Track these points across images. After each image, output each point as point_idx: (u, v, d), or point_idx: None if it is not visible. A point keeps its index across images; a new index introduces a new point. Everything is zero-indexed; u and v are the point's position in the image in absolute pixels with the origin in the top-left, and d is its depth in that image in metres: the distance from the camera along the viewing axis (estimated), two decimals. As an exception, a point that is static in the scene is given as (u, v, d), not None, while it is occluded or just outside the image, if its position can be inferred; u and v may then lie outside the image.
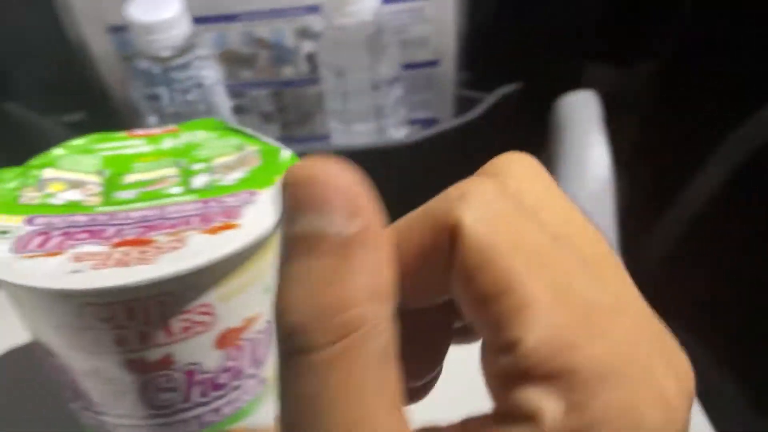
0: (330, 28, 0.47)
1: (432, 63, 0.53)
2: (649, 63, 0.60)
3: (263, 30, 0.50)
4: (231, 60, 0.52)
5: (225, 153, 0.28)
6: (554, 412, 0.12)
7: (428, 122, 0.57)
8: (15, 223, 0.23)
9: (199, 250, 0.21)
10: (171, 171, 0.27)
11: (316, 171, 0.13)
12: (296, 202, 0.13)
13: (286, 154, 0.27)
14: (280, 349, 0.13)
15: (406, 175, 0.48)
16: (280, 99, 0.54)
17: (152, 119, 0.49)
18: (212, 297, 0.23)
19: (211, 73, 0.48)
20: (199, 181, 0.26)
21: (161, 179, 0.26)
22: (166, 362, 0.23)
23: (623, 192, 0.52)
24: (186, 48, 0.46)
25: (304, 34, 0.51)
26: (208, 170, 0.26)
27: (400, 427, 0.13)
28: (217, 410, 0.26)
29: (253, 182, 0.25)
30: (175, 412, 0.25)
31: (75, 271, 0.21)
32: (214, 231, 0.22)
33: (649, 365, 0.13)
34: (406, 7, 0.50)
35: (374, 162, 0.24)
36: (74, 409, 0.26)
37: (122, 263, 0.21)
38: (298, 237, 0.13)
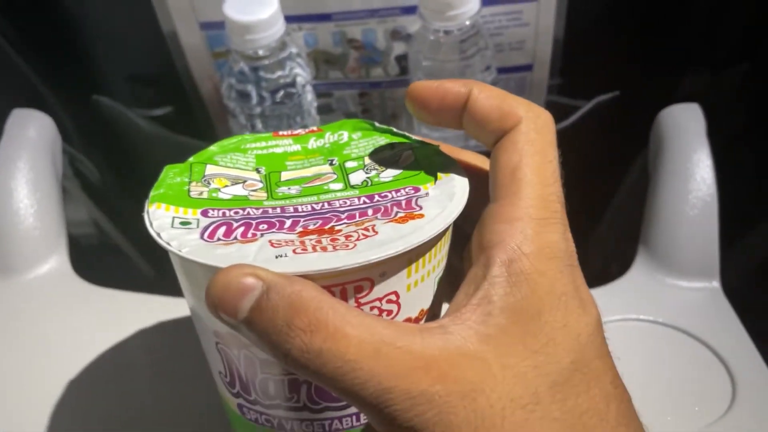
0: (427, 31, 0.45)
1: (527, 67, 0.51)
2: (744, 70, 0.57)
3: (355, 30, 0.49)
4: (321, 59, 0.51)
5: (376, 151, 0.27)
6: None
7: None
8: (193, 215, 0.23)
9: (393, 237, 0.21)
10: (326, 168, 0.27)
11: (218, 287, 0.19)
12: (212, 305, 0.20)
13: (436, 148, 0.26)
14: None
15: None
16: (366, 100, 0.53)
17: (240, 117, 0.49)
18: (400, 285, 0.22)
19: (302, 73, 0.47)
20: (356, 178, 0.25)
21: (318, 176, 0.26)
22: None
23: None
24: (279, 47, 0.46)
25: (396, 35, 0.50)
26: (363, 167, 0.26)
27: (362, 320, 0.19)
28: None
29: (413, 179, 0.25)
30: (347, 405, 0.25)
31: (279, 256, 0.20)
32: (400, 221, 0.22)
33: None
34: (504, 9, 0.48)
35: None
36: (238, 404, 0.26)
37: (323, 249, 0.21)
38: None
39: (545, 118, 0.23)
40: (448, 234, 0.24)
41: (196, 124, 0.56)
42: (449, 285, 0.24)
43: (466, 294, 0.21)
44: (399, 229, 0.21)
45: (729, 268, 0.54)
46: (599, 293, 0.43)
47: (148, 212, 0.23)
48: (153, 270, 0.67)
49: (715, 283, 0.44)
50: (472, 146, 0.47)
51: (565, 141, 0.51)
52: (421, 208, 0.23)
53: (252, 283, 0.19)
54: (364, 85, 0.52)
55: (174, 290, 0.42)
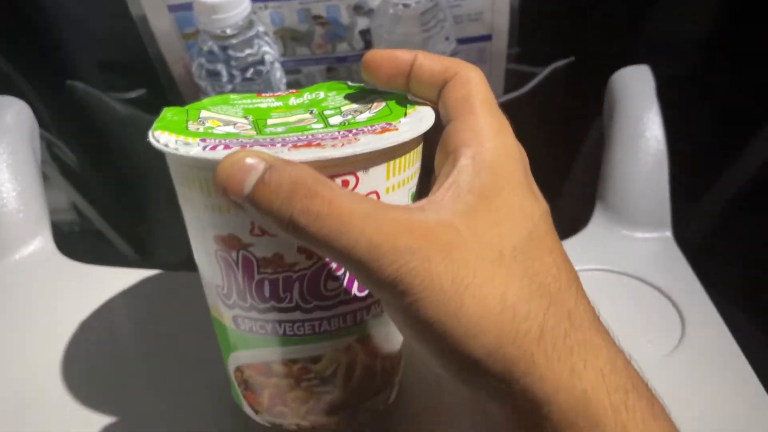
0: (387, 5, 0.47)
1: (485, 37, 0.53)
2: (700, 35, 0.60)
3: (319, 7, 0.51)
4: (287, 37, 0.53)
5: (350, 101, 0.30)
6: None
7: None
8: (193, 140, 0.25)
9: (373, 141, 0.24)
10: (307, 116, 0.29)
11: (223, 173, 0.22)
12: (220, 183, 0.22)
13: (404, 93, 0.30)
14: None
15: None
16: (334, 75, 0.55)
17: (212, 95, 0.51)
18: (380, 186, 0.25)
19: (270, 51, 0.49)
20: (335, 120, 0.28)
21: (301, 120, 0.28)
22: None
23: (672, 159, 0.52)
24: (246, 26, 0.47)
25: (359, 10, 0.51)
26: (340, 113, 0.29)
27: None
28: (368, 308, 0.28)
29: (386, 117, 0.27)
30: (335, 305, 0.27)
31: (277, 152, 0.23)
32: (378, 133, 0.25)
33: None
34: (461, -18, 0.50)
35: (428, 136, 0.27)
36: (233, 317, 0.28)
37: (316, 146, 0.24)
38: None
39: (478, 69, 0.27)
40: (419, 151, 0.27)
41: (170, 104, 0.57)
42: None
43: (438, 184, 0.25)
44: (378, 137, 0.25)
45: (692, 221, 0.57)
46: (560, 247, 0.46)
47: (152, 134, 0.25)
48: (135, 252, 0.69)
49: (668, 233, 0.47)
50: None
51: (524, 107, 0.54)
52: (395, 126, 0.26)
53: (256, 161, 0.22)
54: (331, 60, 0.54)
55: (157, 268, 0.44)
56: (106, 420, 0.35)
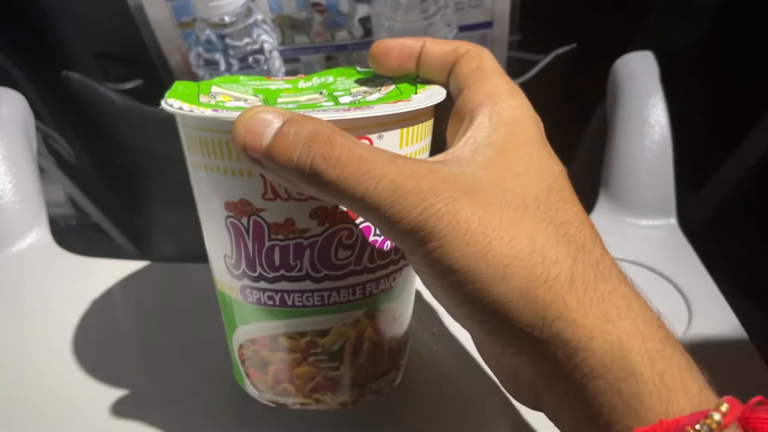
0: (387, -9, 0.47)
1: (486, 24, 0.53)
2: (705, 20, 0.59)
3: (318, -6, 0.50)
4: (286, 25, 0.52)
5: (360, 83, 0.30)
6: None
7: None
8: (205, 110, 0.25)
9: (386, 109, 0.24)
10: (317, 96, 0.29)
11: (241, 128, 0.22)
12: (239, 137, 0.22)
13: (413, 76, 0.29)
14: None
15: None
16: (333, 63, 0.55)
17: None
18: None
19: (269, 39, 0.49)
20: (345, 100, 0.28)
21: (311, 99, 0.28)
22: (350, 215, 0.26)
23: (677, 148, 0.52)
24: (245, 14, 0.46)
25: (359, -3, 0.51)
26: (350, 94, 0.28)
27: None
28: (377, 281, 0.28)
29: (396, 97, 0.27)
30: (345, 275, 0.27)
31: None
32: (391, 103, 0.25)
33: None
34: (462, -33, 0.49)
35: (440, 112, 0.27)
36: (241, 288, 0.28)
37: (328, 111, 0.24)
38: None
39: (487, 50, 0.27)
40: (431, 124, 0.27)
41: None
42: None
43: (456, 141, 0.24)
44: (391, 106, 0.24)
45: (695, 209, 0.57)
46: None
47: (166, 101, 0.25)
48: (133, 245, 0.68)
49: (672, 220, 0.46)
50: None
51: (526, 94, 0.53)
52: (410, 99, 0.26)
53: (273, 115, 0.22)
54: (330, 48, 0.54)
55: (155, 260, 0.44)
56: (105, 411, 0.34)
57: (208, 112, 0.24)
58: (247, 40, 0.47)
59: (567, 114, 0.59)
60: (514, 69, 0.56)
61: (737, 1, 0.56)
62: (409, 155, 0.26)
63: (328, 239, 0.26)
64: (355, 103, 0.27)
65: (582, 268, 0.22)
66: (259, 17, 0.48)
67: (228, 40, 0.47)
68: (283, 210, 0.25)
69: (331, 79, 0.31)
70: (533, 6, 0.54)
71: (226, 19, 0.45)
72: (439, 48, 0.27)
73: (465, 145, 0.24)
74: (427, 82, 0.28)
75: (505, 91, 0.25)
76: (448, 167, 0.22)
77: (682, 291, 0.41)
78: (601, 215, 0.47)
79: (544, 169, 0.24)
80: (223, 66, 0.49)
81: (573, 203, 0.24)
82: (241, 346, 0.30)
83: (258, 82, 0.31)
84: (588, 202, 0.51)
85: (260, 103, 0.27)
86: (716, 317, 0.39)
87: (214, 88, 0.28)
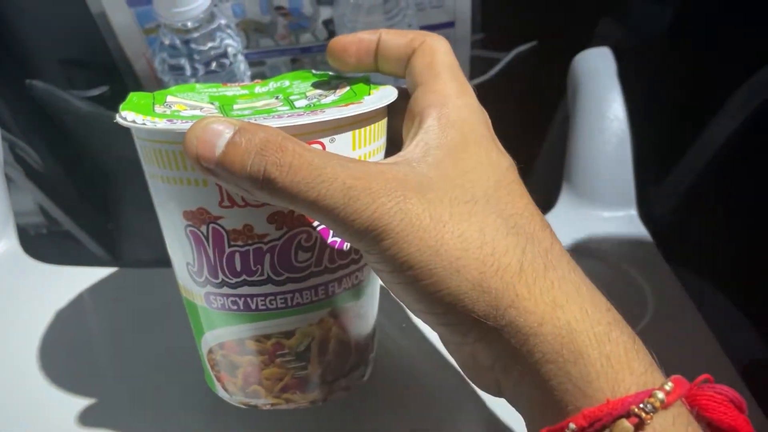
0: (348, -6, 0.47)
1: (448, 24, 0.54)
2: (660, 14, 0.60)
3: (281, -3, 0.51)
4: (250, 28, 0.53)
5: (315, 86, 0.30)
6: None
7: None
8: (160, 121, 0.25)
9: (337, 113, 0.25)
10: (273, 101, 0.29)
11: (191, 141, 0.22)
12: (191, 148, 0.22)
13: (367, 76, 0.30)
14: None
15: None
16: (299, 66, 0.55)
17: (176, 90, 0.50)
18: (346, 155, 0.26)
19: (233, 43, 0.49)
20: (300, 104, 0.28)
21: (267, 104, 0.29)
22: (307, 218, 0.26)
23: (637, 142, 0.53)
24: (208, 19, 0.47)
25: (322, 0, 0.51)
26: (305, 97, 0.29)
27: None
28: (339, 281, 0.29)
29: (351, 99, 0.27)
30: (306, 277, 0.27)
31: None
32: (343, 106, 0.26)
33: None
34: (422, -31, 0.50)
35: (395, 110, 0.28)
36: (205, 294, 0.28)
37: (279, 117, 0.24)
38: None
39: (442, 37, 0.28)
40: (384, 123, 0.28)
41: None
42: None
43: (406, 144, 0.25)
44: (342, 109, 0.25)
45: (659, 200, 0.58)
46: (528, 229, 0.47)
47: (120, 114, 0.25)
48: (105, 251, 0.68)
49: (633, 211, 0.48)
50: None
51: (490, 92, 0.54)
52: (361, 102, 0.26)
53: (224, 126, 0.22)
54: (295, 51, 0.54)
55: (128, 266, 0.44)
56: (76, 419, 0.34)
57: (162, 124, 0.24)
58: (210, 44, 0.48)
59: (531, 109, 0.61)
60: (477, 67, 0.57)
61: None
62: (362, 157, 0.26)
63: (287, 243, 0.26)
64: (310, 106, 0.27)
65: (531, 257, 0.23)
66: (223, 22, 0.49)
67: (192, 45, 0.48)
68: (240, 217, 0.25)
69: (287, 83, 0.31)
70: (495, 5, 0.55)
71: (189, 24, 0.45)
72: (395, 40, 0.28)
73: (416, 148, 0.24)
74: (382, 83, 0.29)
75: (454, 92, 0.26)
76: (398, 168, 0.23)
77: (641, 280, 0.42)
78: (563, 208, 0.48)
79: (492, 165, 0.25)
80: (188, 71, 0.49)
81: (522, 195, 0.25)
82: (210, 351, 0.31)
83: (214, 89, 0.31)
84: (553, 195, 0.52)
85: (216, 111, 0.28)
86: (674, 304, 0.40)
87: (169, 98, 0.29)
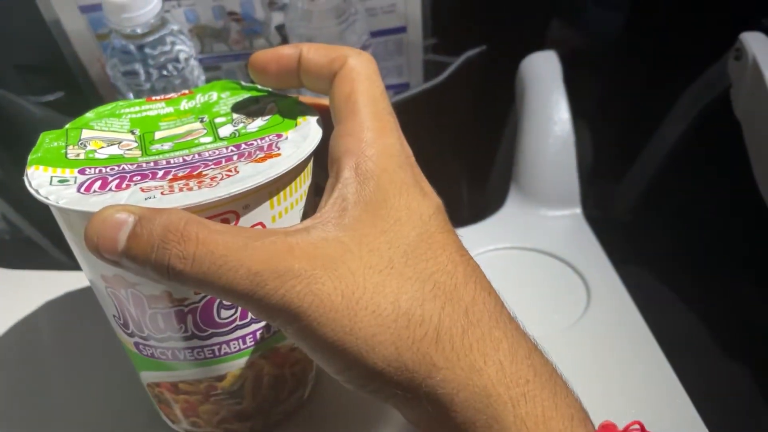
0: (297, 0, 0.48)
1: (400, 29, 0.55)
2: (612, 18, 0.62)
3: (233, 3, 0.52)
4: (203, 34, 0.53)
5: (242, 106, 0.30)
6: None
7: (400, 87, 0.59)
8: (71, 174, 0.24)
9: (252, 173, 0.24)
10: (197, 125, 0.29)
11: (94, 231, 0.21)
12: (92, 244, 0.22)
13: (295, 99, 0.30)
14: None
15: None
16: (253, 70, 0.56)
17: (129, 95, 0.51)
18: (265, 217, 0.25)
19: (184, 48, 0.50)
20: (225, 131, 0.28)
21: (190, 132, 0.28)
22: None
23: (590, 147, 0.55)
24: (159, 24, 0.47)
25: (273, 6, 0.52)
26: (231, 122, 0.28)
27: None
28: (268, 327, 0.29)
29: (276, 127, 0.27)
30: (233, 330, 0.27)
31: (148, 198, 0.23)
32: (259, 161, 0.25)
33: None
34: (372, -25, 0.51)
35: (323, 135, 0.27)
36: (134, 343, 0.28)
37: (188, 189, 0.23)
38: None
39: (366, 55, 0.27)
40: (308, 170, 0.27)
41: (89, 106, 0.57)
42: None
43: (324, 200, 0.24)
44: (258, 167, 0.24)
45: (618, 198, 0.60)
46: (476, 228, 0.48)
47: (27, 174, 0.25)
48: (66, 257, 0.68)
49: (577, 210, 0.49)
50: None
51: (442, 96, 0.55)
52: (279, 149, 0.26)
53: (125, 217, 0.21)
54: (249, 55, 0.55)
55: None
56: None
57: (69, 190, 0.23)
58: (161, 49, 0.48)
59: (486, 112, 0.62)
60: (430, 72, 0.58)
61: None
62: (283, 212, 0.26)
63: (207, 304, 0.26)
64: (234, 136, 0.27)
65: (449, 322, 0.22)
66: (175, 27, 0.49)
67: (146, 50, 0.48)
68: (157, 284, 0.25)
69: (214, 96, 0.31)
70: (446, 10, 0.57)
71: (139, 30, 0.46)
72: (316, 59, 0.27)
73: (333, 206, 0.24)
74: (307, 105, 0.28)
75: (372, 135, 0.25)
76: (309, 237, 0.22)
77: (582, 276, 0.43)
78: (511, 208, 0.49)
79: (413, 217, 0.24)
80: (142, 76, 0.49)
81: (446, 245, 0.24)
82: (148, 385, 0.31)
83: (137, 108, 0.31)
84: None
85: (135, 144, 0.27)
86: (613, 299, 0.42)
87: (85, 133, 0.28)
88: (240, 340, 0.28)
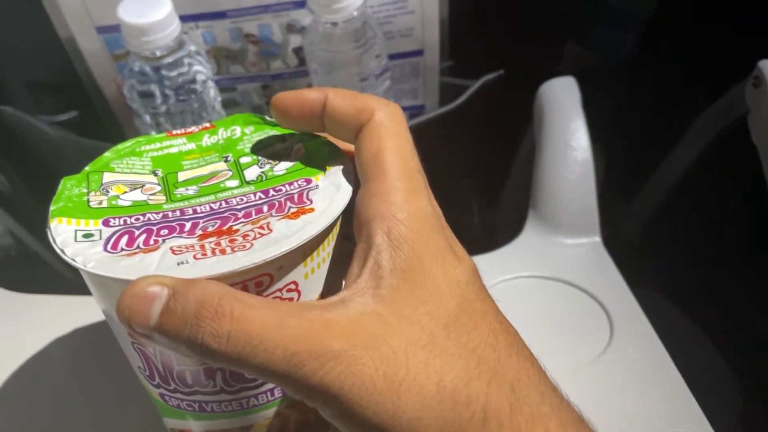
0: (317, 23, 0.48)
1: (417, 53, 0.54)
2: (624, 39, 0.62)
3: (251, 26, 0.51)
4: (221, 56, 0.53)
5: (268, 144, 0.29)
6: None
7: (415, 109, 0.59)
8: (95, 226, 0.24)
9: (287, 233, 0.23)
10: (221, 165, 0.28)
11: (128, 304, 0.21)
12: (125, 319, 0.21)
13: (324, 140, 0.29)
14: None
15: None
16: (270, 92, 0.55)
17: (145, 117, 0.50)
18: (298, 275, 0.24)
19: (202, 70, 0.49)
20: (251, 173, 0.27)
21: (214, 174, 0.27)
22: None
23: (602, 167, 0.54)
24: (177, 46, 0.47)
25: (291, 28, 0.52)
26: (257, 162, 0.28)
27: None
28: None
29: (304, 171, 0.26)
30: (261, 384, 0.26)
31: (180, 263, 0.22)
32: (292, 216, 0.24)
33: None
34: (390, -1, 0.51)
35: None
36: (159, 393, 0.27)
37: (221, 252, 0.22)
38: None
39: (394, 107, 0.26)
40: (339, 223, 0.26)
41: (103, 126, 0.57)
42: (346, 263, 0.26)
43: (358, 266, 0.23)
44: (291, 225, 0.23)
45: (628, 220, 0.59)
46: (494, 256, 0.47)
47: (50, 228, 0.24)
48: (74, 275, 0.68)
49: (597, 238, 0.48)
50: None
51: (459, 120, 0.55)
52: (311, 201, 0.25)
53: (158, 290, 0.21)
54: (266, 77, 0.55)
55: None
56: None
57: (96, 249, 0.23)
58: (179, 71, 0.48)
59: (501, 138, 0.62)
60: (446, 94, 0.58)
61: (661, 19, 0.58)
62: (315, 268, 0.25)
63: None
64: (260, 179, 0.26)
65: (496, 401, 0.21)
66: (192, 48, 0.49)
67: (163, 72, 0.48)
68: None
69: (238, 131, 0.30)
70: (463, 33, 0.56)
71: (158, 53, 0.46)
72: (343, 108, 0.26)
73: (369, 275, 0.23)
74: (336, 149, 0.28)
75: (403, 195, 0.24)
76: (348, 313, 0.21)
77: (604, 306, 0.43)
78: (529, 235, 0.49)
79: (451, 284, 0.23)
80: (159, 98, 0.49)
81: (485, 315, 0.23)
82: (171, 429, 0.30)
83: (158, 145, 0.30)
84: (521, 219, 0.53)
85: (159, 188, 0.26)
86: (636, 331, 0.41)
87: (106, 177, 0.27)
88: (269, 393, 0.27)
